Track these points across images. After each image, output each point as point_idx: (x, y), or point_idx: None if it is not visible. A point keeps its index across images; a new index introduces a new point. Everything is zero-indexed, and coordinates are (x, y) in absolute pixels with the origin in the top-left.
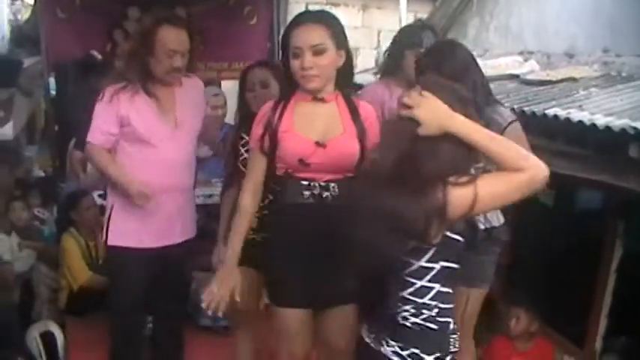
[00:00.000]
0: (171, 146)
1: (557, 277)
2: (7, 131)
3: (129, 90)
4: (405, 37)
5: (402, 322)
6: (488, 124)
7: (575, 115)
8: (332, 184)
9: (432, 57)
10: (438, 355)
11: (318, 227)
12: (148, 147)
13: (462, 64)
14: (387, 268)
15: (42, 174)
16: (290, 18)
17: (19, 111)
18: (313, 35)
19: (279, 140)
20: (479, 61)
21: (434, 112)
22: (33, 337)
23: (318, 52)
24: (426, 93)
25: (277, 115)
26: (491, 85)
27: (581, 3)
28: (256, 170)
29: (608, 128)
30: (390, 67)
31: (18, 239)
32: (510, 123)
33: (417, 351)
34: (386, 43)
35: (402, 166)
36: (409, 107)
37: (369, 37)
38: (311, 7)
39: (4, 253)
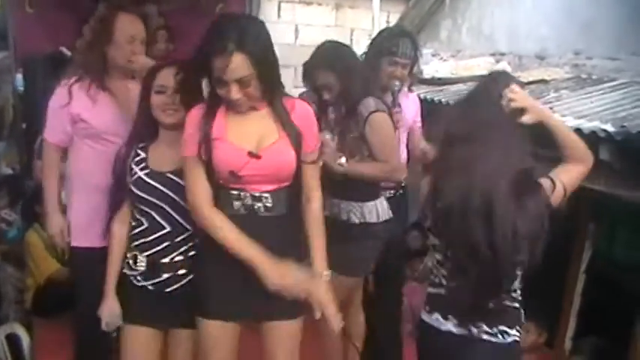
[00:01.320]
0: None
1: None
2: None
3: (83, 84)
4: (382, 43)
5: (493, 306)
6: (357, 118)
7: None
8: (265, 195)
9: (322, 55)
10: (517, 327)
11: (250, 239)
12: (106, 143)
13: (349, 63)
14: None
15: (9, 171)
16: (262, 16)
17: None
18: (236, 69)
19: (212, 149)
20: (452, 61)
21: (532, 103)
22: None
23: (243, 84)
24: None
25: (208, 120)
26: (463, 86)
27: (552, 5)
28: (204, 181)
29: (578, 130)
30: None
31: None
32: (372, 112)
33: (504, 327)
34: (359, 42)
35: (512, 160)
36: (514, 100)
37: (342, 36)
38: (283, 6)
39: None
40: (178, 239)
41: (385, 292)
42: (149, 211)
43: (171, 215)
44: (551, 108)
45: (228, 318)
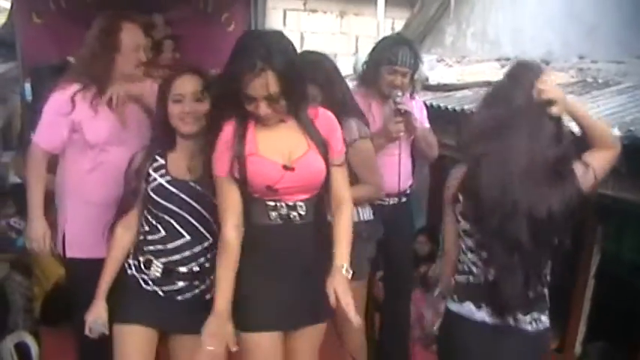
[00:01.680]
0: (126, 152)
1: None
2: None
3: (87, 93)
4: (381, 52)
5: (532, 295)
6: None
7: None
8: (299, 204)
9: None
10: (546, 311)
11: (287, 248)
12: (106, 153)
13: (328, 75)
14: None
15: (18, 180)
16: (268, 25)
17: None
18: (265, 86)
19: (247, 165)
20: (457, 67)
21: (561, 94)
22: (8, 349)
23: (272, 100)
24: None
25: (241, 137)
26: (469, 92)
27: (557, 9)
28: (233, 198)
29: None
30: (366, 79)
31: None
32: (355, 140)
33: (537, 314)
34: (364, 49)
35: (548, 150)
36: (544, 91)
37: (347, 43)
38: (289, 14)
39: None
40: (198, 249)
41: (393, 299)
42: (168, 218)
43: (191, 224)
44: None
45: (273, 328)
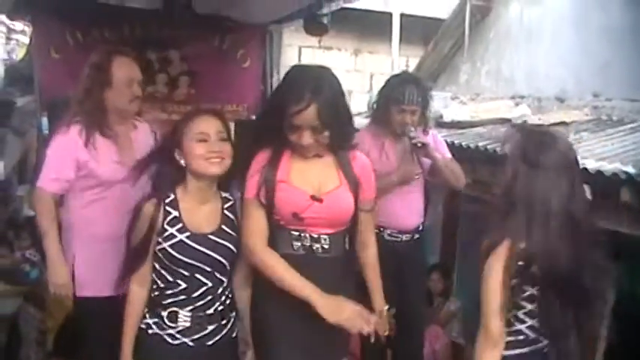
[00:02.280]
0: (134, 189)
1: None
2: None
3: (87, 131)
4: (389, 92)
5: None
6: None
7: None
8: (323, 237)
9: None
10: None
11: (307, 279)
12: (109, 190)
13: None
14: None
15: (32, 213)
16: (283, 61)
17: (11, 150)
18: (311, 117)
19: (276, 191)
20: (471, 104)
21: None
22: None
23: (316, 131)
24: None
25: (274, 164)
26: (483, 129)
27: (571, 47)
28: (259, 222)
29: (599, 172)
30: (377, 117)
31: (2, 287)
32: None
33: None
34: (378, 87)
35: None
36: None
37: (362, 80)
38: (304, 51)
39: None
40: (219, 291)
41: (406, 336)
42: (188, 273)
43: (211, 273)
44: None
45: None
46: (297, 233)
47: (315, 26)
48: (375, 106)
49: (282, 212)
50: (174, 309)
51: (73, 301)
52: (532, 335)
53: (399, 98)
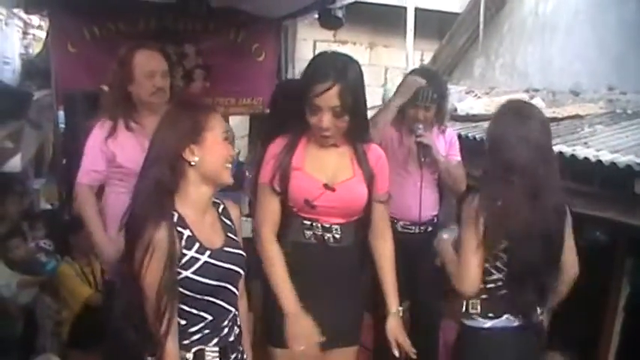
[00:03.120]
0: None
1: (564, 314)
2: (16, 163)
3: (114, 124)
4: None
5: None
6: None
7: (581, 151)
8: (335, 227)
9: None
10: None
11: (319, 268)
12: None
13: None
14: None
15: (48, 207)
16: (297, 55)
17: (27, 143)
18: (333, 98)
19: (290, 178)
20: (485, 98)
21: None
22: None
23: (336, 114)
24: None
25: (289, 151)
26: None
27: (585, 41)
28: (272, 209)
29: (613, 165)
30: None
31: (19, 276)
32: None
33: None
34: (393, 81)
35: None
36: None
37: (377, 74)
38: (319, 45)
39: (4, 287)
40: (234, 311)
41: (419, 331)
42: (215, 300)
43: (232, 291)
44: (586, 143)
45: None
46: (309, 222)
47: (329, 20)
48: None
49: (295, 199)
50: (200, 347)
51: (102, 284)
52: (491, 285)
53: (414, 100)
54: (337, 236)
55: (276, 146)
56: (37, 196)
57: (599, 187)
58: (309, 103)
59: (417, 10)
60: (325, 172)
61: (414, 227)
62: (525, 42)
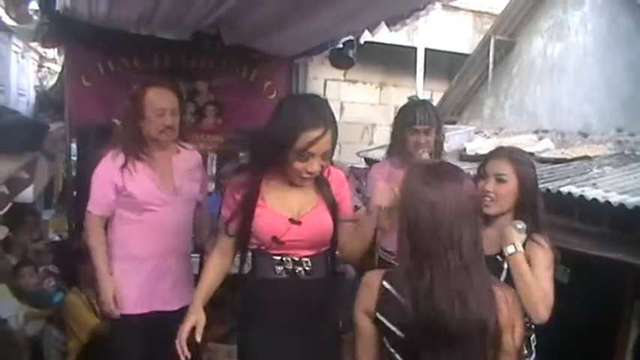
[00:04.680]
0: (170, 212)
1: (572, 356)
2: (29, 193)
3: (125, 157)
4: (401, 117)
5: None
6: None
7: (590, 192)
8: (305, 260)
9: None
10: None
11: (291, 303)
12: (146, 213)
13: None
14: None
15: (57, 238)
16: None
17: (41, 174)
18: (327, 144)
19: (254, 216)
20: (495, 138)
21: None
22: None
23: (325, 157)
24: None
25: (252, 189)
26: None
27: (594, 82)
28: (225, 242)
29: (622, 206)
30: (393, 145)
31: (27, 309)
32: None
33: None
34: None
35: None
36: None
37: (386, 113)
38: (329, 84)
39: (12, 318)
40: None
41: None
42: None
43: None
44: (594, 184)
45: None
46: (278, 258)
47: (340, 59)
48: (390, 133)
49: (261, 237)
50: None
51: (105, 320)
52: None
53: (411, 119)
54: (308, 269)
55: (238, 184)
56: (46, 226)
57: (607, 227)
58: (295, 151)
59: (427, 50)
60: (290, 206)
61: None
62: (534, 83)
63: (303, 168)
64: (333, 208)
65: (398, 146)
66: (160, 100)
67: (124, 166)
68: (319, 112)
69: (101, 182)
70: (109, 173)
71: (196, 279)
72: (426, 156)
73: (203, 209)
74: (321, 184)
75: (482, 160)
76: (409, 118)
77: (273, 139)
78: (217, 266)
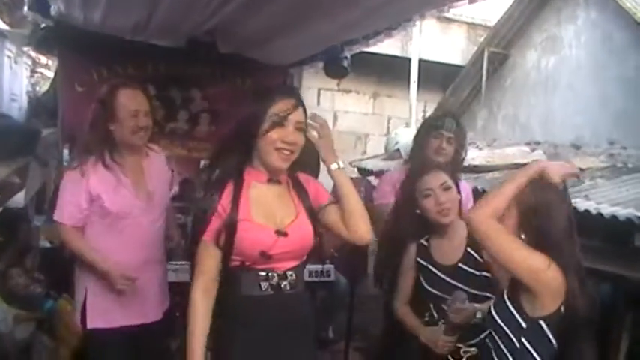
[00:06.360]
0: (145, 219)
1: None
2: (20, 199)
3: (97, 164)
4: (429, 122)
5: None
6: None
7: (582, 204)
8: (289, 272)
9: None
10: None
11: (277, 319)
12: (122, 221)
13: None
14: None
15: (47, 245)
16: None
17: (32, 179)
18: (300, 113)
19: (237, 231)
20: (487, 150)
21: None
22: None
23: (299, 129)
24: None
25: (231, 200)
26: (498, 174)
27: (587, 95)
28: (209, 264)
29: (614, 217)
30: (414, 152)
31: (15, 311)
32: None
33: None
34: (395, 130)
35: None
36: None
37: (379, 124)
38: (323, 93)
39: (1, 321)
40: None
41: None
42: None
43: None
44: (586, 196)
45: None
46: (264, 273)
47: (335, 69)
48: (413, 140)
49: (248, 252)
50: None
51: (83, 333)
52: None
53: (438, 124)
54: (292, 281)
55: (220, 198)
56: (37, 232)
57: (599, 240)
58: (269, 120)
59: (421, 61)
60: (272, 217)
61: None
62: (527, 95)
63: (278, 137)
64: (313, 215)
65: (418, 153)
66: (133, 102)
67: (95, 172)
68: (288, 89)
69: (71, 191)
70: (79, 181)
71: (179, 286)
72: (441, 161)
73: (170, 210)
74: (300, 192)
75: (475, 171)
76: (437, 122)
77: (244, 122)
78: (205, 313)
